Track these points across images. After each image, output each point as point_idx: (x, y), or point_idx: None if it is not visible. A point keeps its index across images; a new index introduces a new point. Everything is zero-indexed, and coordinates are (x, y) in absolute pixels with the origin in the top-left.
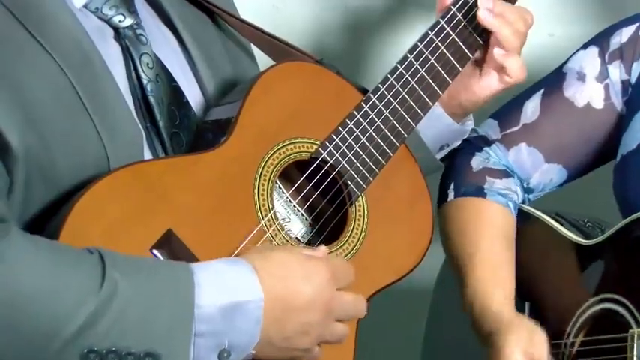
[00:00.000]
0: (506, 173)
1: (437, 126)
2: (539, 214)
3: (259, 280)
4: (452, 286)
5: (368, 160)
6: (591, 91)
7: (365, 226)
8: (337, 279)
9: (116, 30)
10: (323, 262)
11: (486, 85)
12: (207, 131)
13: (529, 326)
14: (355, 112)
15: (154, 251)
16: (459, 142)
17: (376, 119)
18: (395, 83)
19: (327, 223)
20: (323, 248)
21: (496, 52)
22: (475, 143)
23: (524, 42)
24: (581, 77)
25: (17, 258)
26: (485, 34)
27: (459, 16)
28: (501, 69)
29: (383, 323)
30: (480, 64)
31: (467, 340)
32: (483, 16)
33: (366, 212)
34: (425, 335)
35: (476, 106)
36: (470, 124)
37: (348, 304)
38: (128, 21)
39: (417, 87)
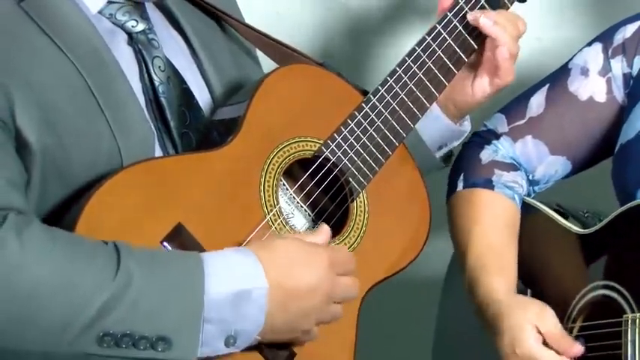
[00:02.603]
0: (513, 166)
1: (435, 126)
2: (540, 205)
3: (264, 269)
4: (461, 279)
5: (368, 158)
6: (594, 85)
7: (365, 222)
8: (337, 266)
9: (129, 34)
10: (324, 250)
11: (479, 88)
12: (214, 130)
13: (538, 303)
14: (356, 113)
15: (165, 244)
16: (458, 142)
17: (376, 119)
18: (394, 85)
19: (330, 219)
20: (325, 227)
21: (501, 55)
22: (484, 136)
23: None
24: (585, 72)
25: (38, 247)
26: (480, 38)
27: (455, 21)
28: (494, 72)
29: (394, 318)
30: (474, 67)
31: (478, 334)
32: (484, 23)
33: (366, 208)
34: (436, 329)
35: (470, 108)
36: (467, 124)
37: (346, 287)
38: (141, 26)
39: (414, 89)
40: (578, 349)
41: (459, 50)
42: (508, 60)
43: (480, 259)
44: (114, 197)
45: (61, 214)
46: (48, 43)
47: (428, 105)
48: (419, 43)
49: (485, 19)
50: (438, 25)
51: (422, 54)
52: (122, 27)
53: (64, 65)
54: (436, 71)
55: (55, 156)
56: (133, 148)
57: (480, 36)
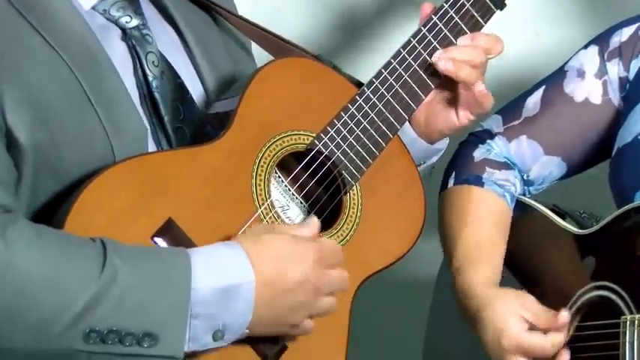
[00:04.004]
0: (506, 165)
1: (412, 148)
2: (537, 205)
3: (251, 263)
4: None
5: (361, 151)
6: (590, 87)
7: (359, 213)
8: (325, 260)
9: (123, 30)
10: (311, 245)
11: (464, 117)
12: (207, 124)
13: (516, 292)
14: (349, 105)
15: (155, 239)
16: (437, 158)
17: (370, 112)
18: (388, 77)
19: (323, 211)
20: (314, 220)
21: (479, 92)
22: (479, 136)
23: (485, 68)
24: (581, 74)
25: (24, 245)
26: (476, 28)
27: (451, 12)
28: (474, 104)
29: (385, 317)
30: (453, 102)
31: (469, 333)
32: (444, 68)
33: (360, 200)
34: (427, 328)
35: (454, 132)
36: (443, 141)
37: (334, 280)
38: (134, 22)
39: (409, 80)
40: (564, 318)
41: (454, 41)
42: (486, 95)
43: (464, 256)
44: (104, 193)
45: (54, 211)
46: (40, 41)
47: (423, 97)
48: (414, 35)
49: (445, 64)
50: (434, 17)
51: (417, 45)
52: (116, 23)
53: (55, 63)
54: (431, 62)
55: (47, 154)
56: (126, 144)
57: (476, 26)
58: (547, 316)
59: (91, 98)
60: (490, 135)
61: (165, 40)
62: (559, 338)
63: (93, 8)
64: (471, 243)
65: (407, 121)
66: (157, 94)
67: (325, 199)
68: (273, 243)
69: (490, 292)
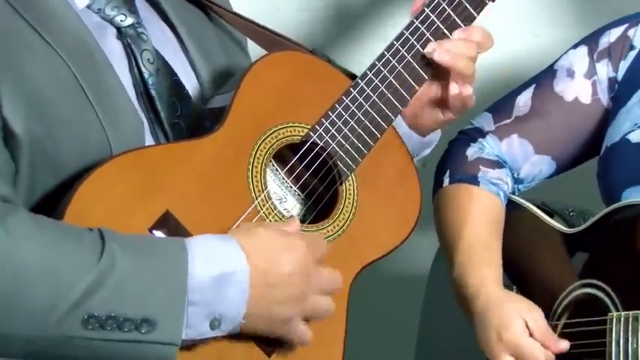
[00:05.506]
0: (498, 164)
1: (408, 143)
2: (526, 203)
3: (245, 254)
4: (445, 274)
5: (356, 142)
6: (579, 87)
7: (355, 204)
8: (314, 251)
9: (118, 29)
10: (299, 238)
11: (448, 112)
12: (204, 120)
13: (527, 300)
14: (344, 97)
15: (153, 232)
16: (429, 151)
17: (364, 103)
18: (382, 69)
19: (319, 201)
20: (296, 222)
21: (453, 90)
22: (470, 134)
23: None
24: (571, 74)
25: (24, 235)
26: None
27: (443, 4)
28: (458, 102)
29: (378, 313)
30: (441, 103)
31: (461, 329)
32: (440, 59)
33: (355, 191)
34: (419, 323)
35: (440, 126)
36: (435, 134)
37: (326, 278)
38: (129, 20)
39: (403, 71)
40: (564, 345)
41: (447, 32)
42: (470, 97)
43: (470, 252)
44: (102, 186)
45: (52, 204)
46: (37, 38)
47: (417, 87)
48: (407, 27)
49: (441, 54)
50: (426, 9)
51: (410, 37)
52: (111, 21)
53: (53, 59)
54: (424, 54)
55: (44, 147)
56: (122, 139)
57: (469, 17)
58: (548, 333)
59: (88, 94)
60: (481, 133)
61: (160, 38)
62: (551, 357)
63: (88, 7)
64: (473, 242)
65: (400, 113)
66: (153, 91)
67: (321, 190)
68: (265, 235)
69: (501, 294)
